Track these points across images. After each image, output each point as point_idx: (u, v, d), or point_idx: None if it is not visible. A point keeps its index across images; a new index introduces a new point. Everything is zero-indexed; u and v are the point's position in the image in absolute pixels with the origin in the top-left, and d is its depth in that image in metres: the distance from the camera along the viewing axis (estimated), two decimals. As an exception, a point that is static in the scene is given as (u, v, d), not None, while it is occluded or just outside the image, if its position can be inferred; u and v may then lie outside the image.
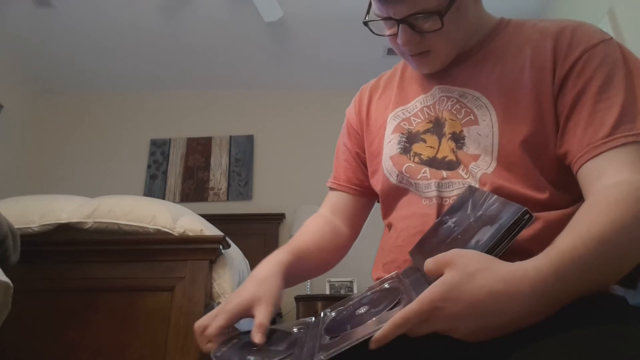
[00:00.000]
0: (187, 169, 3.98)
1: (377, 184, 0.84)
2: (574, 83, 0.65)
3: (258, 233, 3.62)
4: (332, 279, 3.39)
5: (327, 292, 3.31)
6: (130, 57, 3.83)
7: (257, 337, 0.59)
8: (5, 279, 0.94)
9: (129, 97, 4.26)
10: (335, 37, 3.64)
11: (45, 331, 1.35)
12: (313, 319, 0.66)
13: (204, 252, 1.44)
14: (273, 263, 0.73)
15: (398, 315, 0.48)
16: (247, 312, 0.64)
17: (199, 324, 0.65)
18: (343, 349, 0.51)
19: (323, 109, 4.15)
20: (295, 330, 0.64)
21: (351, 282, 3.37)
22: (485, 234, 0.54)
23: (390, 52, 3.79)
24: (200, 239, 1.46)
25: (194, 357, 1.29)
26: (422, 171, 0.73)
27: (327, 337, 0.56)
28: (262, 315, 0.62)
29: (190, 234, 1.48)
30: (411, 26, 0.70)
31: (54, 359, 1.32)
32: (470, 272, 0.48)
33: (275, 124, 4.15)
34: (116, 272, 1.43)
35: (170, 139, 4.09)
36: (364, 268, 3.46)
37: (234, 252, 1.63)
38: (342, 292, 3.31)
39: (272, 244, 3.63)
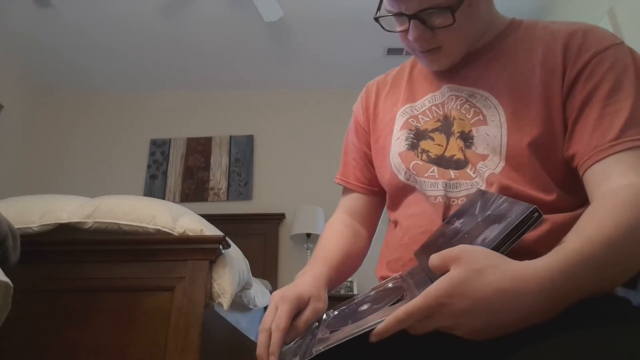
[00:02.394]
0: (187, 169, 3.98)
1: (383, 180, 0.84)
2: (583, 86, 0.65)
3: (258, 233, 3.61)
4: (332, 279, 3.39)
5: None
6: (130, 57, 3.83)
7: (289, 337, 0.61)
8: (5, 279, 0.94)
9: (129, 97, 4.26)
10: (335, 37, 3.64)
11: (45, 331, 1.35)
12: (316, 323, 0.66)
13: (204, 252, 1.44)
14: (318, 277, 0.73)
15: (401, 309, 0.48)
16: (303, 305, 0.66)
17: (264, 327, 0.63)
18: (342, 341, 0.50)
19: (323, 108, 4.16)
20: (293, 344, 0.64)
21: (351, 282, 3.36)
22: (492, 232, 0.53)
23: (390, 52, 3.79)
24: (200, 239, 1.46)
25: (194, 357, 1.29)
26: (430, 170, 0.73)
27: (328, 331, 0.56)
28: (304, 317, 0.64)
29: (190, 234, 1.48)
30: (422, 22, 0.70)
31: (54, 359, 1.32)
32: (478, 268, 0.48)
33: (275, 124, 4.15)
34: (116, 272, 1.43)
35: (170, 139, 4.09)
36: (364, 268, 3.45)
37: (234, 252, 1.63)
38: (342, 292, 3.30)
39: (272, 244, 3.63)
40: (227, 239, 1.49)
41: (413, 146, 0.77)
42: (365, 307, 0.58)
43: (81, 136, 4.13)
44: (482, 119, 0.72)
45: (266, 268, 3.47)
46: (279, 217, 3.73)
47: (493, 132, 0.69)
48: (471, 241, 0.55)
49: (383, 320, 0.48)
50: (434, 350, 0.56)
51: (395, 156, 0.79)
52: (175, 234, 1.48)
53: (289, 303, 0.64)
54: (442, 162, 0.73)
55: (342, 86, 4.09)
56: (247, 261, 1.83)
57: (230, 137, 4.09)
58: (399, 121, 0.81)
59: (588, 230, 0.52)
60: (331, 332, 0.55)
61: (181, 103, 4.24)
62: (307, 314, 0.65)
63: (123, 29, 3.53)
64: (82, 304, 1.38)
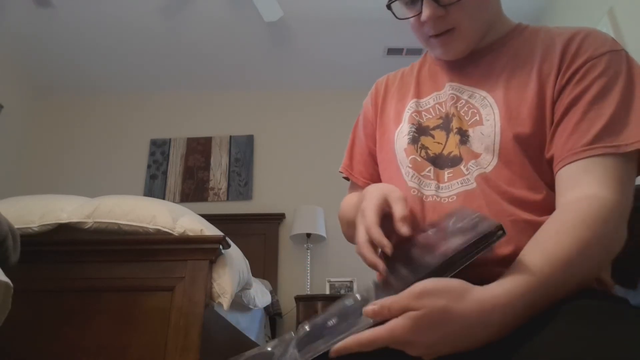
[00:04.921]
0: (187, 169, 3.98)
1: (384, 174, 0.85)
2: (572, 90, 0.66)
3: (258, 233, 3.61)
4: (332, 279, 3.39)
5: (327, 292, 3.31)
6: (130, 57, 3.83)
7: (405, 229, 0.61)
8: (5, 279, 0.94)
9: (129, 97, 4.26)
10: (335, 37, 3.64)
11: (45, 331, 1.35)
12: (292, 333, 0.65)
13: (204, 252, 1.44)
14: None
15: (366, 335, 0.49)
16: (386, 205, 0.66)
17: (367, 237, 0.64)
18: None
19: (323, 108, 4.15)
20: (269, 349, 0.64)
21: (351, 282, 3.37)
22: (453, 244, 0.54)
23: (390, 52, 3.78)
24: (200, 239, 1.46)
25: (194, 357, 1.29)
26: (427, 169, 0.74)
27: (296, 351, 0.57)
28: (399, 208, 0.63)
29: (190, 234, 1.48)
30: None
31: (54, 359, 1.32)
32: (441, 308, 0.48)
33: (275, 124, 4.15)
34: (116, 272, 1.43)
35: (170, 139, 4.09)
36: (364, 268, 3.45)
37: (234, 252, 1.63)
38: (342, 292, 3.31)
39: (272, 244, 3.63)
40: (227, 239, 1.50)
41: (414, 140, 0.78)
42: (332, 322, 0.58)
43: (81, 136, 4.13)
44: (478, 119, 0.73)
45: (266, 268, 3.47)
46: (279, 217, 3.73)
47: (487, 131, 0.71)
48: (432, 251, 0.56)
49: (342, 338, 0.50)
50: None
51: (400, 151, 0.80)
52: (175, 234, 1.48)
53: (372, 213, 0.65)
54: (439, 161, 0.74)
55: (342, 86, 4.09)
56: (247, 261, 1.83)
57: (230, 137, 4.09)
58: (405, 116, 0.83)
59: (548, 249, 0.54)
60: (299, 351, 0.56)
61: (181, 103, 4.24)
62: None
63: (123, 29, 3.53)
64: (82, 304, 1.39)
